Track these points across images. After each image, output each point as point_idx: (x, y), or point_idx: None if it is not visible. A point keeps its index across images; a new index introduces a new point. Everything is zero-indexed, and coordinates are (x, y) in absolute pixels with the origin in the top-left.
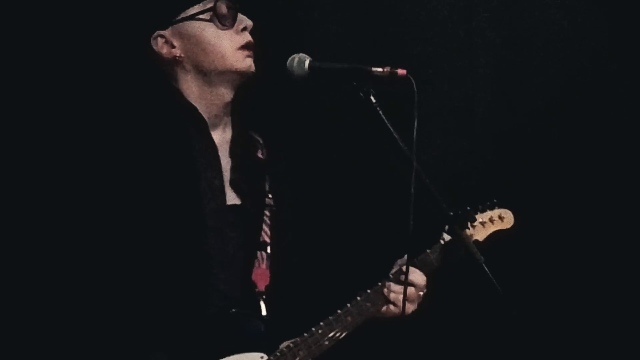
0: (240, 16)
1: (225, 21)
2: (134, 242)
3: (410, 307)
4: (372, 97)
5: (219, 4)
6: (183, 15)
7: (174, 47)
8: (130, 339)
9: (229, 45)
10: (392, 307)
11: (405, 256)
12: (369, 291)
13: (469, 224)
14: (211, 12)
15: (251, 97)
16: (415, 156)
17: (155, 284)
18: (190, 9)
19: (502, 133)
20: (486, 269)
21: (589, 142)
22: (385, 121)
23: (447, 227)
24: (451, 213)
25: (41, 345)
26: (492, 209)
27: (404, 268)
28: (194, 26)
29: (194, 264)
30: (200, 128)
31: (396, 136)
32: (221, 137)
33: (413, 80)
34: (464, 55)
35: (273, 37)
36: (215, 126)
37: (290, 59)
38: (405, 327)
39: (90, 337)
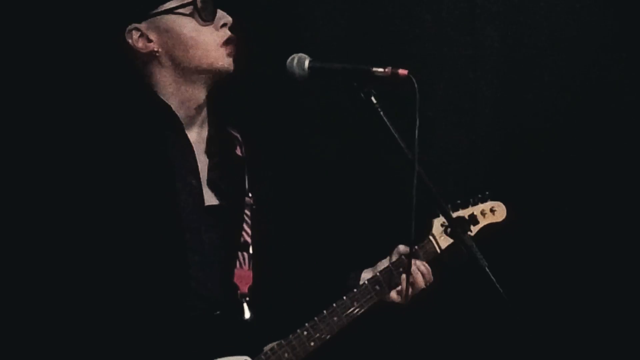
0: (220, 12)
1: (206, 16)
2: (108, 246)
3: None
4: (373, 98)
5: None
6: (161, 8)
7: (150, 41)
8: (107, 347)
9: (211, 41)
10: (393, 294)
11: (397, 249)
12: (355, 290)
13: (470, 225)
14: (192, 7)
15: (233, 93)
16: (417, 157)
17: (132, 289)
18: (169, 2)
19: (505, 133)
20: (489, 274)
21: (595, 142)
22: (387, 122)
23: (445, 227)
24: (454, 215)
25: (13, 352)
26: (483, 201)
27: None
28: (173, 20)
29: (172, 267)
30: (175, 127)
31: (397, 137)
32: (197, 135)
33: (415, 81)
34: (466, 54)
35: (272, 36)
36: (191, 125)
37: (289, 59)
38: (394, 328)
39: (65, 347)
